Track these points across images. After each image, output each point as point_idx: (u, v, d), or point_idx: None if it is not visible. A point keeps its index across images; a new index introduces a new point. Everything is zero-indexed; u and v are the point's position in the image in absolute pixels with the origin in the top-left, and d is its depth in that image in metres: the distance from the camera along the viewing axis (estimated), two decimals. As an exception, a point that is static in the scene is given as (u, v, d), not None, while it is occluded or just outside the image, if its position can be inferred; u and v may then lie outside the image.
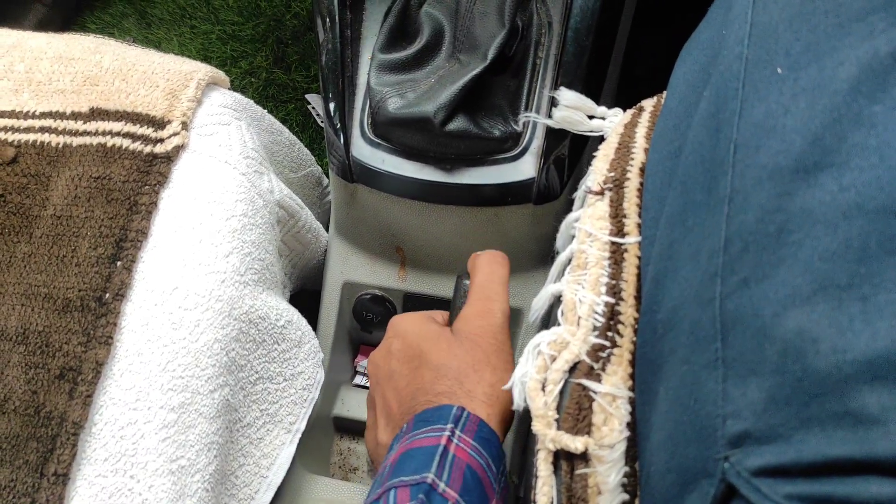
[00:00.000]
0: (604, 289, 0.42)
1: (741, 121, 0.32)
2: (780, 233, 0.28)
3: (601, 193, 0.47)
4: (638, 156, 0.47)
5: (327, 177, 0.73)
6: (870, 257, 0.26)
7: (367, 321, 0.65)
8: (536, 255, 0.60)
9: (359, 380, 0.70)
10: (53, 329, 0.47)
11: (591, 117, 0.55)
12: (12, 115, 0.55)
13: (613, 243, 0.44)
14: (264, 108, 0.64)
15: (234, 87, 0.63)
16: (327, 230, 0.68)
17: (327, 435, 0.66)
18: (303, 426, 0.54)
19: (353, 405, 0.66)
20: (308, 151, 0.73)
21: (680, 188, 0.37)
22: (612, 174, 0.47)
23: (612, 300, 0.42)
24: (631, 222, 0.44)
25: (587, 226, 0.45)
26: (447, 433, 0.39)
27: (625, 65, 0.71)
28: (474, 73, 0.53)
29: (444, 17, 0.57)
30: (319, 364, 0.58)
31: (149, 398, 0.44)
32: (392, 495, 0.36)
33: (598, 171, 0.48)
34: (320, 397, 0.61)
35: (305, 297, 0.71)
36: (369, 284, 0.64)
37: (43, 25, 1.20)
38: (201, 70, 0.58)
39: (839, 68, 0.29)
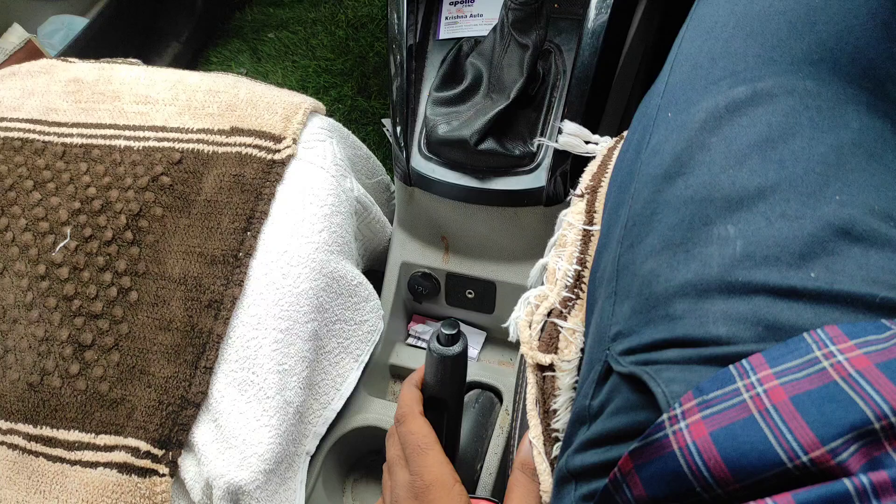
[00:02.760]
0: (575, 260, 0.61)
1: (647, 146, 0.50)
2: (652, 214, 0.46)
3: (582, 196, 0.65)
4: (611, 170, 0.66)
5: (393, 184, 0.94)
6: (693, 227, 0.43)
7: (418, 293, 0.85)
8: (545, 248, 0.79)
9: (411, 340, 0.90)
10: (204, 275, 0.69)
11: (587, 142, 0.74)
12: (178, 130, 0.79)
13: (585, 230, 0.62)
14: (349, 130, 0.86)
15: (325, 112, 0.85)
16: (392, 225, 0.89)
17: (384, 378, 0.86)
18: (366, 359, 0.75)
19: (404, 357, 0.86)
20: (380, 164, 0.94)
21: (616, 190, 0.55)
22: (592, 183, 0.66)
23: (579, 268, 0.60)
24: (598, 216, 0.62)
25: (569, 218, 0.64)
26: None
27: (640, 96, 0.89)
28: (500, 108, 0.72)
29: (482, 66, 0.77)
30: (380, 318, 0.78)
31: (266, 322, 0.66)
32: None
33: (584, 181, 0.67)
34: (380, 348, 0.81)
35: (371, 277, 0.92)
36: (421, 265, 0.84)
37: (177, 58, 1.47)
38: (307, 101, 0.80)
39: (697, 114, 0.47)
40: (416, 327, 0.89)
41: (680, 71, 0.52)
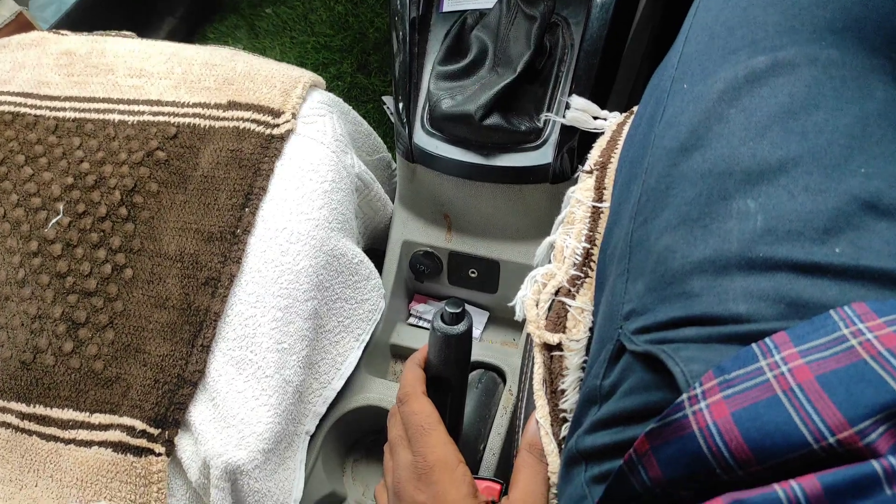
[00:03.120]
0: (584, 238, 0.59)
1: (661, 119, 0.49)
2: (667, 188, 0.44)
3: (591, 172, 0.63)
4: (620, 146, 0.64)
5: (395, 161, 0.92)
6: (711, 202, 0.42)
7: (419, 272, 0.84)
8: (552, 224, 0.77)
9: (412, 320, 0.88)
10: (201, 252, 0.67)
11: (596, 118, 0.72)
12: (173, 104, 0.76)
13: (594, 207, 0.61)
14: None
15: (325, 87, 0.83)
16: (393, 203, 0.87)
17: (385, 358, 0.85)
18: (367, 338, 0.73)
19: (406, 337, 0.85)
20: (381, 141, 0.92)
21: (628, 165, 0.53)
22: (601, 159, 0.64)
23: (588, 246, 0.58)
24: (608, 193, 0.61)
25: (577, 195, 0.62)
26: None
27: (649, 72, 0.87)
28: (506, 82, 0.70)
29: (488, 39, 0.75)
30: (381, 297, 0.77)
31: (264, 300, 0.64)
32: None
33: (592, 157, 0.65)
34: (381, 328, 0.80)
35: (372, 255, 0.90)
36: (423, 243, 0.83)
37: (173, 34, 1.44)
38: (306, 75, 0.77)
39: (714, 84, 0.45)
40: (418, 307, 0.88)
41: (696, 41, 0.50)
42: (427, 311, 0.87)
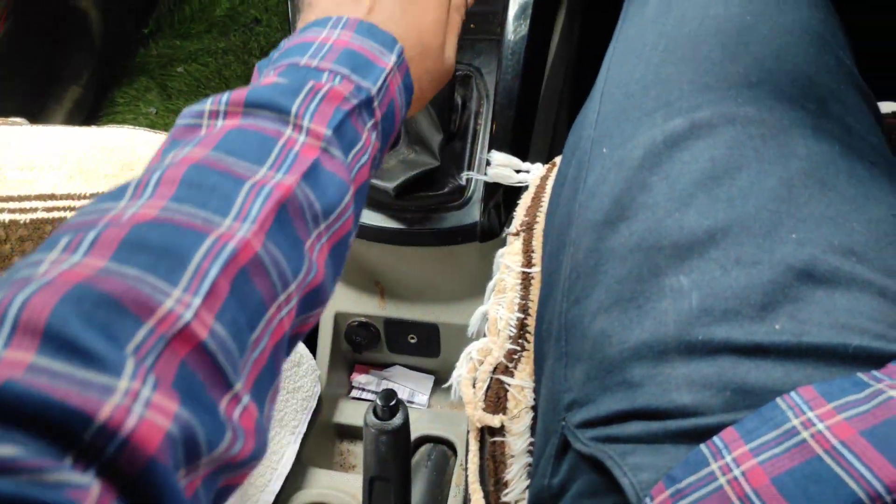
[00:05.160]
0: (516, 307, 0.56)
1: (584, 187, 0.46)
2: (596, 265, 0.42)
3: (517, 234, 0.61)
4: (546, 203, 0.61)
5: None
6: (643, 279, 0.39)
7: (356, 344, 0.79)
8: (485, 284, 0.74)
9: (355, 393, 0.84)
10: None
11: (518, 171, 0.69)
12: (69, 197, 0.71)
13: (524, 273, 0.58)
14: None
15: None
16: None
17: (330, 439, 0.80)
18: (304, 429, 0.68)
19: (350, 413, 0.80)
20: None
21: (555, 233, 0.50)
22: (527, 219, 0.61)
23: (522, 316, 0.55)
24: (537, 256, 0.58)
25: (506, 260, 0.59)
26: (391, 63, 0.38)
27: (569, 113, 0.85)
28: (427, 168, 0.66)
29: None
30: (317, 380, 0.72)
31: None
32: (339, 79, 0.36)
33: (518, 216, 0.62)
34: (322, 407, 0.75)
35: (308, 327, 0.85)
36: (357, 313, 0.79)
37: (79, 103, 1.36)
38: (213, 151, 0.73)
39: (634, 150, 0.43)
40: (360, 378, 0.84)
41: (611, 100, 0.48)
42: (370, 381, 0.83)
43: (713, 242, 0.38)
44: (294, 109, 0.33)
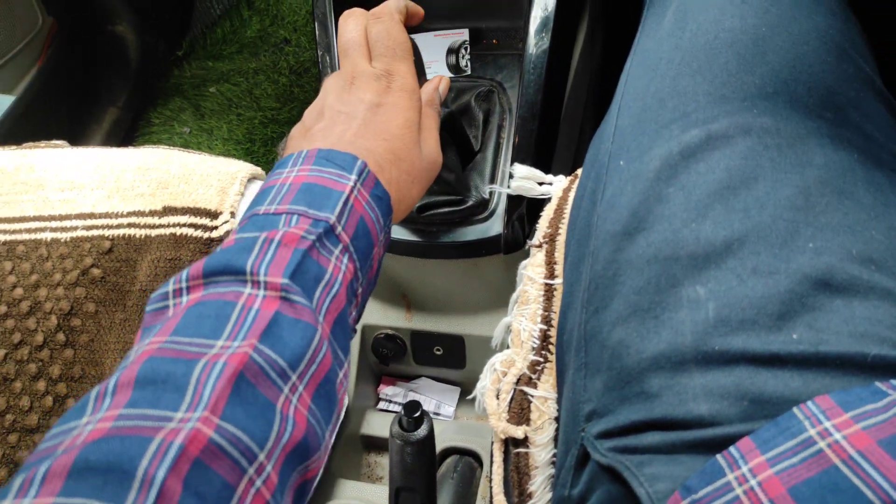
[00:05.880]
0: (539, 319, 0.57)
1: (602, 199, 0.46)
2: (614, 276, 0.42)
3: (540, 246, 0.61)
4: (568, 215, 0.62)
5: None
6: (660, 290, 0.39)
7: (383, 356, 0.81)
8: (509, 296, 0.74)
9: (382, 405, 0.85)
10: (145, 373, 0.63)
11: (541, 183, 0.70)
12: (107, 215, 0.73)
13: (546, 285, 0.58)
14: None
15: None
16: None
17: (357, 451, 0.81)
18: (331, 441, 0.69)
19: (377, 425, 0.81)
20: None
21: (575, 244, 0.51)
22: (550, 230, 0.62)
23: (545, 327, 0.56)
24: (559, 267, 0.58)
25: (529, 272, 0.59)
26: (351, 184, 0.40)
27: (593, 125, 0.86)
28: (449, 198, 0.67)
29: None
30: (344, 392, 0.73)
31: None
32: (295, 219, 0.37)
33: (541, 228, 0.63)
34: (350, 419, 0.76)
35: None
36: (383, 326, 0.80)
37: (117, 124, 1.41)
38: (244, 169, 0.75)
39: (650, 162, 0.43)
40: (386, 390, 0.84)
41: (628, 113, 0.48)
42: (396, 393, 0.84)
43: (730, 252, 0.38)
44: (249, 267, 0.34)
